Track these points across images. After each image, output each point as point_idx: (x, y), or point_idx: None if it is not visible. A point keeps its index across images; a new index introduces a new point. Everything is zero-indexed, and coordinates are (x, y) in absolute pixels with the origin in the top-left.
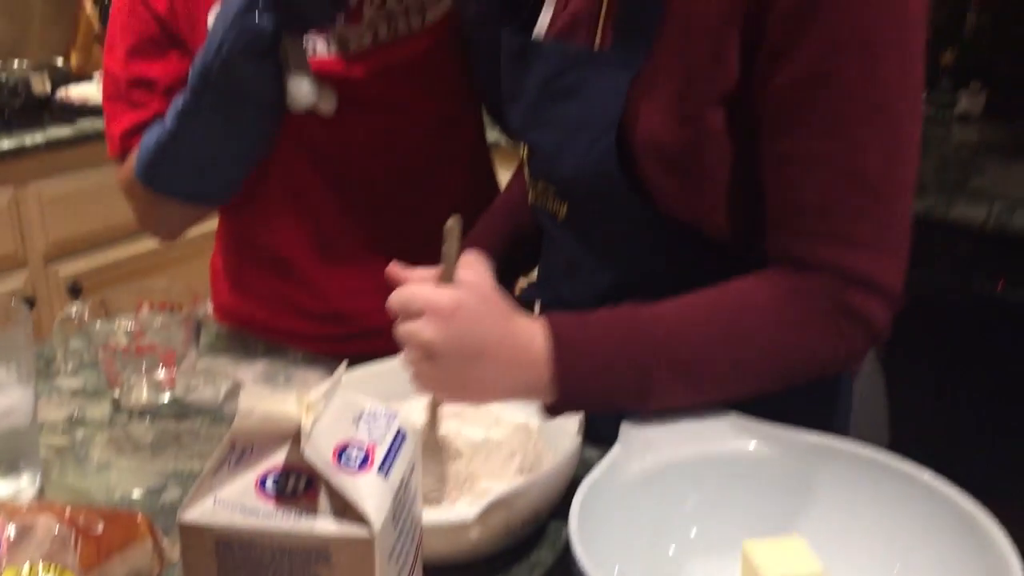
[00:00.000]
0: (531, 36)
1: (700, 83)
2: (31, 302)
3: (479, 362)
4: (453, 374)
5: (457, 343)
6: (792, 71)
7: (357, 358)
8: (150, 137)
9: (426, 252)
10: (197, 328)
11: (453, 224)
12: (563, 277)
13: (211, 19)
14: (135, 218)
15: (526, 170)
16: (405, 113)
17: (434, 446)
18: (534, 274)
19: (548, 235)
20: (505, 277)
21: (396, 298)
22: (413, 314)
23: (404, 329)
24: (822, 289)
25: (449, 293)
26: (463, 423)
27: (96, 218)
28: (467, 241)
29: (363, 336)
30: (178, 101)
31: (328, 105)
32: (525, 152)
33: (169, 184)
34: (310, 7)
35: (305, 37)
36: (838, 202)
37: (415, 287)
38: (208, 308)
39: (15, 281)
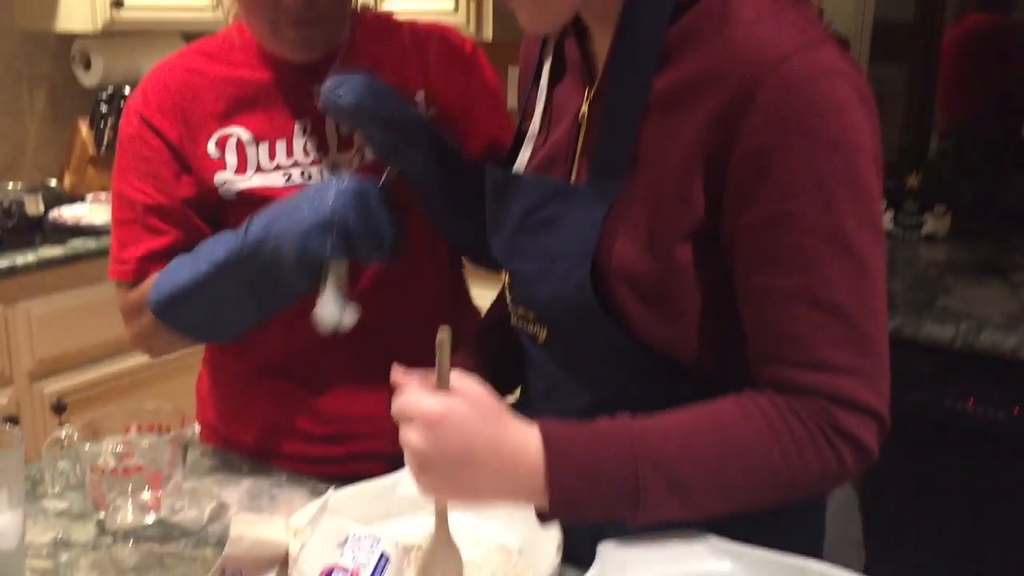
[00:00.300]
0: (512, 171)
1: (668, 219)
2: (15, 420)
3: (468, 467)
4: (445, 479)
5: (444, 449)
6: (755, 212)
7: (343, 478)
8: (177, 274)
9: (410, 363)
10: (184, 449)
11: (444, 336)
12: (544, 398)
13: (212, 146)
14: (129, 337)
15: (507, 295)
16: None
17: (445, 548)
18: (516, 394)
19: (529, 357)
20: None
21: (395, 405)
22: (406, 421)
23: (401, 436)
24: (812, 411)
25: (437, 400)
26: None
27: (82, 336)
28: (452, 362)
29: (350, 459)
30: (217, 251)
31: (349, 321)
32: (507, 279)
33: (181, 323)
34: (369, 250)
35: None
36: (815, 333)
37: (410, 395)
38: (196, 429)
39: None
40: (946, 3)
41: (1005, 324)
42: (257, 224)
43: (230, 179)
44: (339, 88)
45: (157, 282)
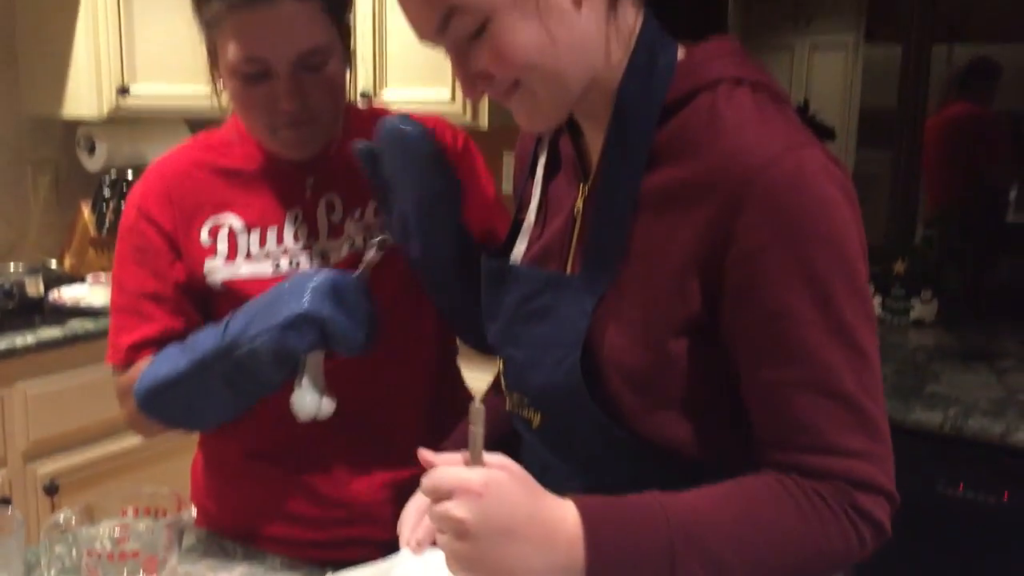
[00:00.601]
0: (508, 261)
1: (663, 314)
2: (7, 501)
3: (511, 539)
4: (486, 552)
5: (488, 520)
6: (755, 309)
7: (337, 564)
8: (159, 367)
9: (407, 459)
10: (179, 533)
11: (480, 407)
12: (538, 481)
13: (205, 233)
14: (124, 419)
15: (503, 381)
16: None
17: None
18: None
19: (524, 440)
20: None
21: (428, 481)
22: (444, 494)
23: (437, 510)
24: (833, 493)
25: (479, 472)
26: None
27: (77, 417)
28: (450, 443)
29: (345, 544)
30: (197, 347)
31: (326, 411)
32: (501, 365)
33: (164, 414)
34: (345, 343)
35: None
36: (825, 420)
37: (446, 469)
38: (192, 512)
39: None
40: (928, 92)
41: (992, 410)
42: (235, 324)
43: (217, 267)
44: (406, 123)
45: (142, 373)
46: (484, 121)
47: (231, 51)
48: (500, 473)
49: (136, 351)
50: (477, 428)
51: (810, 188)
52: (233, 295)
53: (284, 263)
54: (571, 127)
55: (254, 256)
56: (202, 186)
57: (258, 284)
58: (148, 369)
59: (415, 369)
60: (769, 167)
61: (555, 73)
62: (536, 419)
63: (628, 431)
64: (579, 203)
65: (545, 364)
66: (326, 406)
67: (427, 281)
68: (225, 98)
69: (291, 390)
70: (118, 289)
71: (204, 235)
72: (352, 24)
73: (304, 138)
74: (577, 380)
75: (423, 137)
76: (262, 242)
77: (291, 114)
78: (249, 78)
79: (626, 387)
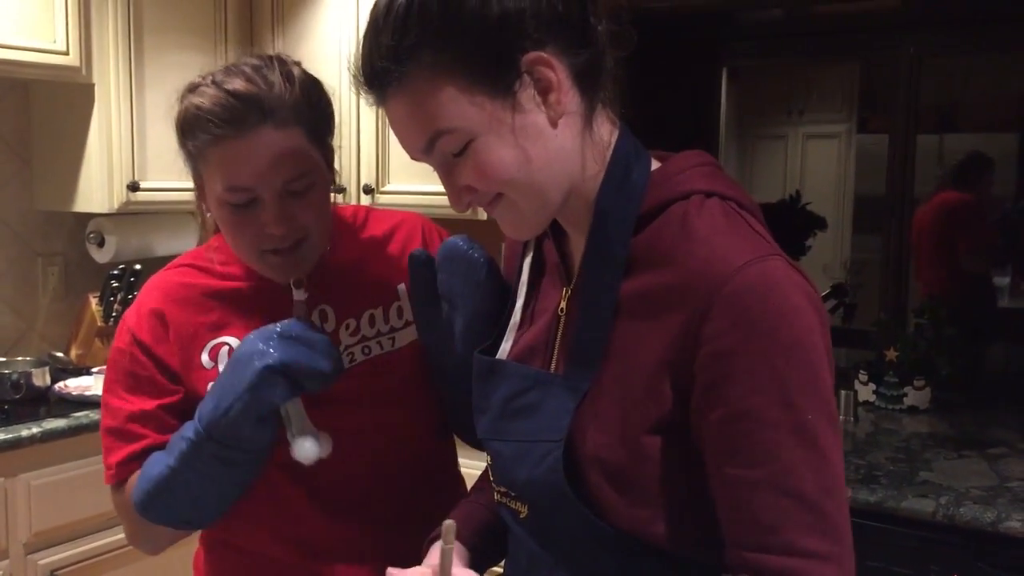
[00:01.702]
0: (495, 357)
1: (637, 412)
2: None
3: None
4: None
5: None
6: (721, 409)
7: None
8: (151, 470)
9: (407, 549)
10: None
11: (451, 523)
12: (525, 573)
13: (204, 357)
14: (125, 535)
15: (491, 474)
16: (381, 422)
17: None
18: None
19: (511, 532)
20: (478, 570)
21: None
22: None
23: None
24: None
25: None
26: None
27: (80, 508)
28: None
29: None
30: (180, 443)
31: (326, 451)
32: (489, 458)
33: (164, 515)
34: (310, 384)
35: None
36: (784, 520)
37: None
38: None
39: None
40: (914, 180)
41: (984, 498)
42: (205, 407)
43: None
44: (473, 248)
45: (136, 484)
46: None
47: (217, 181)
48: None
49: (125, 467)
50: (448, 545)
51: (773, 296)
52: None
53: None
54: (556, 231)
55: None
56: (197, 310)
57: None
58: (139, 477)
59: (417, 458)
60: (736, 275)
61: (533, 186)
62: (523, 511)
63: (610, 525)
64: (562, 304)
65: (530, 459)
66: (325, 446)
67: (449, 380)
68: (211, 224)
69: (288, 485)
70: (108, 413)
71: (205, 358)
72: (357, 125)
73: (293, 264)
74: (559, 475)
75: (488, 264)
76: None
77: (280, 238)
78: (236, 207)
79: (606, 482)
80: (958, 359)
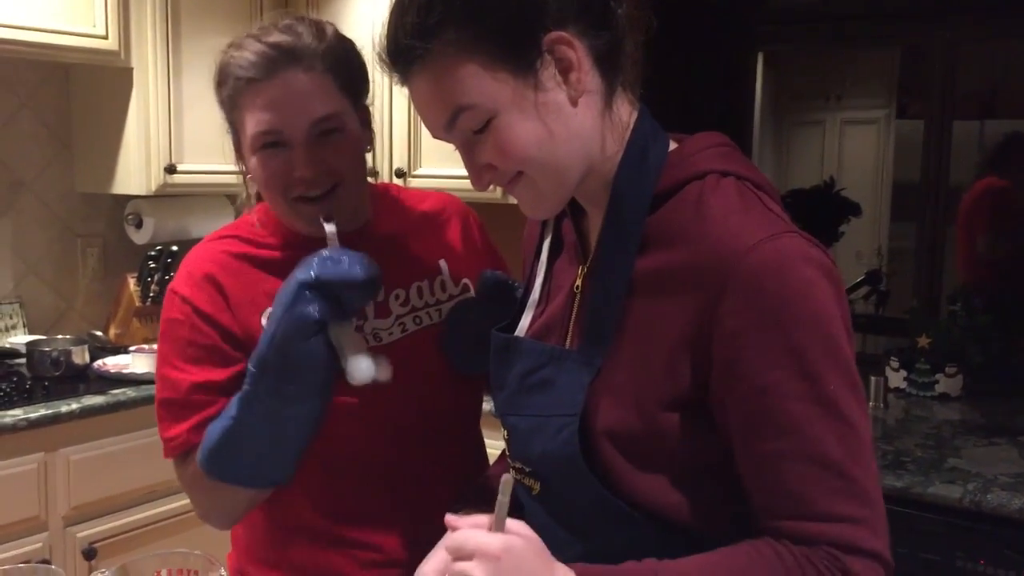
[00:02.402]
0: (513, 335)
1: (653, 388)
2: (47, 562)
3: None
4: None
5: None
6: (742, 385)
7: None
8: (214, 427)
9: (431, 514)
10: None
11: (509, 478)
12: None
13: (264, 321)
14: (197, 513)
15: (507, 450)
16: (426, 392)
17: None
18: None
19: (526, 508)
20: None
21: (452, 541)
22: (465, 556)
23: (457, 568)
24: (824, 559)
25: (499, 538)
26: None
27: (117, 483)
28: (469, 494)
29: None
30: (239, 392)
31: (386, 374)
32: (505, 434)
33: (229, 470)
34: (348, 296)
35: (352, 320)
36: (814, 488)
37: (468, 532)
38: (223, 574)
39: (33, 544)
40: (949, 166)
41: (1012, 485)
42: (259, 343)
43: None
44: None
45: (202, 444)
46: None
47: (249, 125)
48: (518, 540)
49: (193, 434)
50: (504, 498)
51: (788, 272)
52: None
53: None
54: (574, 210)
55: None
56: (249, 279)
57: None
58: (205, 439)
59: (451, 425)
60: (750, 252)
61: (552, 164)
62: (536, 487)
63: (622, 498)
64: (578, 282)
65: (545, 433)
66: (383, 369)
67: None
68: (253, 191)
69: (337, 459)
70: (166, 386)
71: (264, 322)
72: (390, 109)
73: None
74: (573, 448)
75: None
76: None
77: (310, 182)
78: (267, 149)
79: (620, 455)
80: (992, 347)
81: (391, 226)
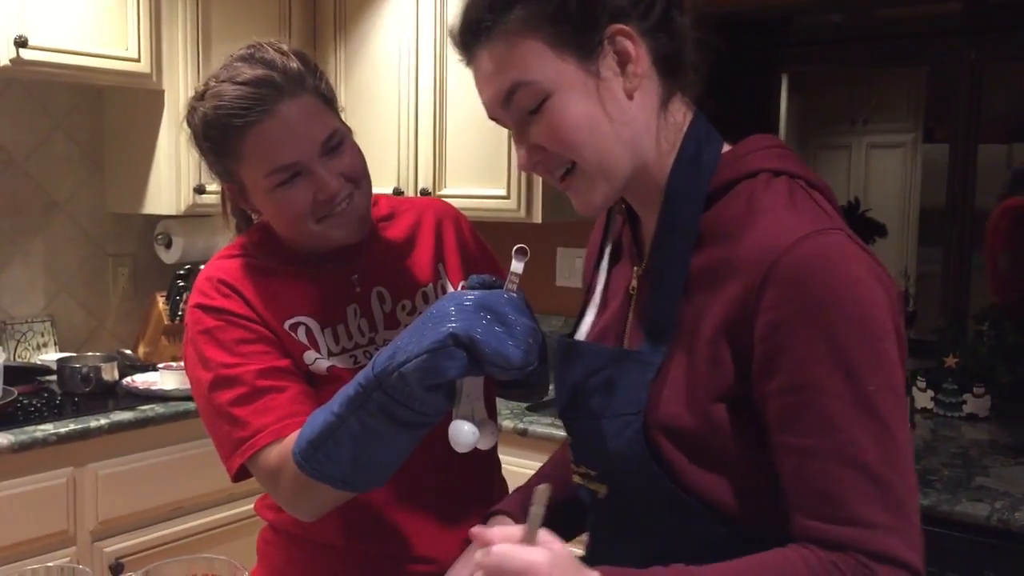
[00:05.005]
0: (573, 338)
1: (703, 381)
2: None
3: None
4: None
5: None
6: (780, 379)
7: None
8: (315, 420)
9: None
10: None
11: (544, 489)
12: (607, 552)
13: (287, 327)
14: (278, 500)
15: (571, 455)
16: None
17: None
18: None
19: (591, 512)
20: None
21: (489, 559)
22: (511, 573)
23: None
24: (850, 565)
25: (543, 554)
26: None
27: (145, 498)
28: (505, 505)
29: None
30: (348, 389)
31: (486, 444)
32: (570, 439)
33: (323, 468)
34: (493, 370)
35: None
36: (846, 491)
37: (508, 548)
38: None
39: (61, 559)
40: (975, 189)
41: None
42: (382, 356)
43: (317, 356)
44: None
45: (299, 435)
46: (538, 217)
47: (259, 169)
48: (548, 554)
49: (284, 420)
50: (539, 509)
51: (832, 267)
52: (337, 381)
53: (360, 356)
54: (631, 216)
55: (335, 352)
56: (268, 291)
57: (352, 372)
58: (303, 429)
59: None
60: (795, 247)
61: (603, 152)
62: (602, 490)
63: (687, 494)
64: (633, 283)
65: (608, 433)
66: (486, 438)
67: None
68: (234, 225)
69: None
70: (231, 384)
71: (291, 333)
72: (416, 128)
73: (350, 217)
74: (639, 447)
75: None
76: (336, 339)
77: (336, 194)
78: (285, 185)
79: (677, 451)
80: (1020, 367)
81: (390, 233)
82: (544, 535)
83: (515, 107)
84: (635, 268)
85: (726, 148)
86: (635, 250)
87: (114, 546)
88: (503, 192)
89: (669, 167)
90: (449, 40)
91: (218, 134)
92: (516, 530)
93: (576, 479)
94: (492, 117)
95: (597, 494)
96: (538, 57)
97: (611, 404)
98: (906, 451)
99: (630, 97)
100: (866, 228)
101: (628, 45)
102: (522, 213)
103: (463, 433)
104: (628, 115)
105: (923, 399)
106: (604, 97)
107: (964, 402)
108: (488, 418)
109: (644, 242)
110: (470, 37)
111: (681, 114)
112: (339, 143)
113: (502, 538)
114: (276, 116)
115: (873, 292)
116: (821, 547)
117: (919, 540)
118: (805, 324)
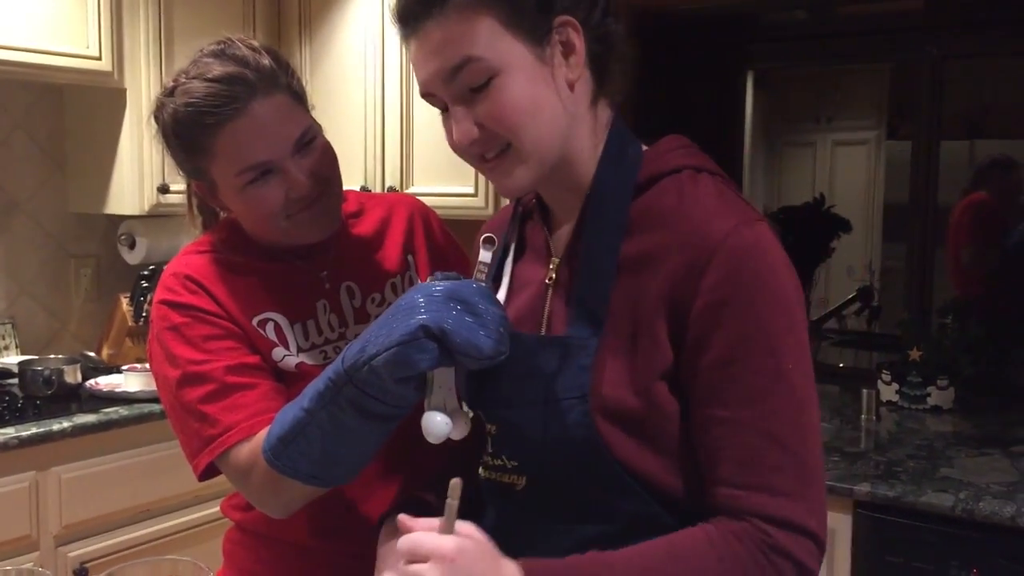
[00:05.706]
0: None
1: (645, 362)
2: None
3: None
4: None
5: None
6: (710, 356)
7: None
8: (284, 416)
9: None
10: None
11: (458, 482)
12: (523, 547)
13: (255, 323)
14: (249, 498)
15: (489, 447)
16: None
17: None
18: None
19: (498, 512)
20: None
21: (404, 543)
22: (420, 558)
23: (411, 571)
24: (753, 533)
25: (452, 540)
26: None
27: (109, 502)
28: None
29: None
30: (318, 384)
31: (459, 434)
32: (493, 430)
33: (293, 464)
34: (464, 360)
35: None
36: (757, 458)
37: (421, 535)
38: None
39: (25, 564)
40: (937, 186)
41: (1004, 494)
42: (351, 349)
43: (285, 353)
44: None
45: (268, 431)
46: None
47: (228, 166)
48: (470, 542)
49: (255, 417)
50: (453, 501)
51: (764, 254)
52: (306, 377)
53: (330, 351)
54: (543, 214)
55: (304, 348)
56: (235, 287)
57: (321, 370)
58: (272, 426)
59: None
60: (732, 234)
61: (539, 137)
62: (521, 482)
63: (628, 475)
64: (552, 275)
65: (548, 419)
66: (458, 428)
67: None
68: (199, 223)
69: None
70: (200, 380)
71: (259, 329)
72: (382, 126)
73: (320, 215)
74: (586, 429)
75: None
76: (306, 335)
77: (307, 190)
78: (256, 183)
79: (623, 433)
80: (983, 360)
81: (359, 228)
82: (464, 526)
83: (459, 83)
84: (552, 260)
85: (643, 147)
86: (548, 245)
87: (78, 551)
88: (471, 190)
89: (594, 161)
90: (390, 12)
91: (188, 131)
92: (438, 521)
93: (484, 474)
94: (426, 93)
95: (515, 487)
96: (491, 34)
97: (549, 390)
98: (817, 428)
99: (571, 88)
100: (831, 224)
101: (574, 36)
102: (490, 210)
103: (436, 424)
104: (567, 104)
105: (888, 392)
106: (548, 84)
107: (928, 394)
108: (460, 408)
109: (560, 235)
110: (421, 8)
111: (606, 114)
112: (311, 140)
113: (424, 527)
114: (249, 114)
115: (792, 279)
116: (731, 516)
117: (823, 511)
118: (738, 305)
